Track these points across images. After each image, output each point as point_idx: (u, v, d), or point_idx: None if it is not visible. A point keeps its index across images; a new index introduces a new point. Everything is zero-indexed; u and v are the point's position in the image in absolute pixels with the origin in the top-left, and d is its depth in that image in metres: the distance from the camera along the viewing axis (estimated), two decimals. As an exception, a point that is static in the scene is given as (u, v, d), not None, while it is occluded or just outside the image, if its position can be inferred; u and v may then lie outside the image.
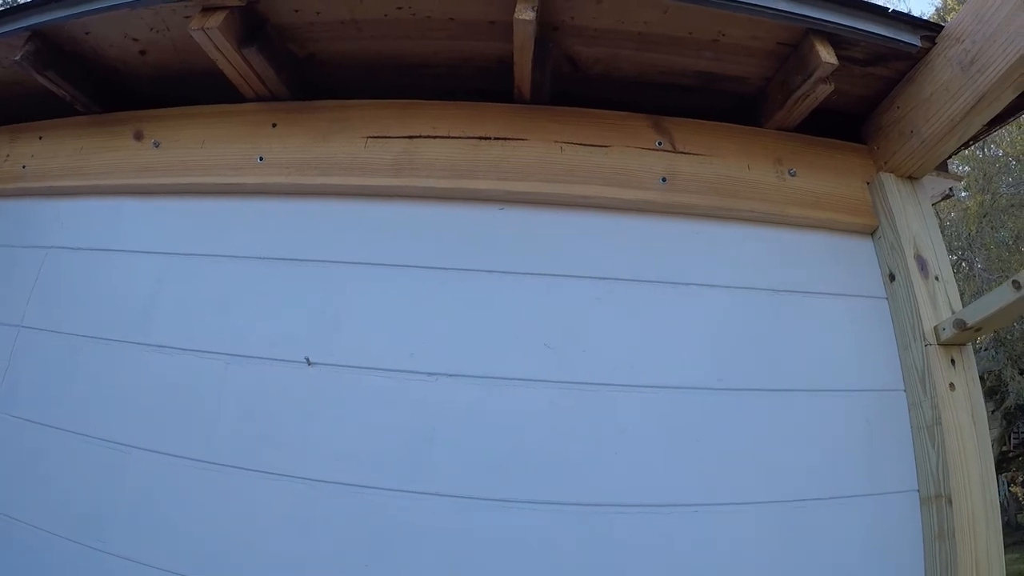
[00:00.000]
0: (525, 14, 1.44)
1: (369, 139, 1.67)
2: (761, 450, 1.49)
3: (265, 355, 1.56)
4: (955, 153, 2.04)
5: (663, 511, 1.38)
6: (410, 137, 1.65)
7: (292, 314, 1.59)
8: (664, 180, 1.62)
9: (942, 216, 15.03)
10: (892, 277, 1.70)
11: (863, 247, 1.74)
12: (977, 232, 14.18)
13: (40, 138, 2.03)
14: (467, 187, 1.60)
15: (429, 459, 1.44)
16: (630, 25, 1.58)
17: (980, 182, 14.45)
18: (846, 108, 1.81)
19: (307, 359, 1.53)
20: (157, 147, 1.82)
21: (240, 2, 1.60)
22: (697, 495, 1.41)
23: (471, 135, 1.64)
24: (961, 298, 1.73)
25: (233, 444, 1.52)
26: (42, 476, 1.64)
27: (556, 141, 1.64)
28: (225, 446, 1.52)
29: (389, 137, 1.66)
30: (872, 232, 1.75)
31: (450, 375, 1.49)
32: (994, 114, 1.61)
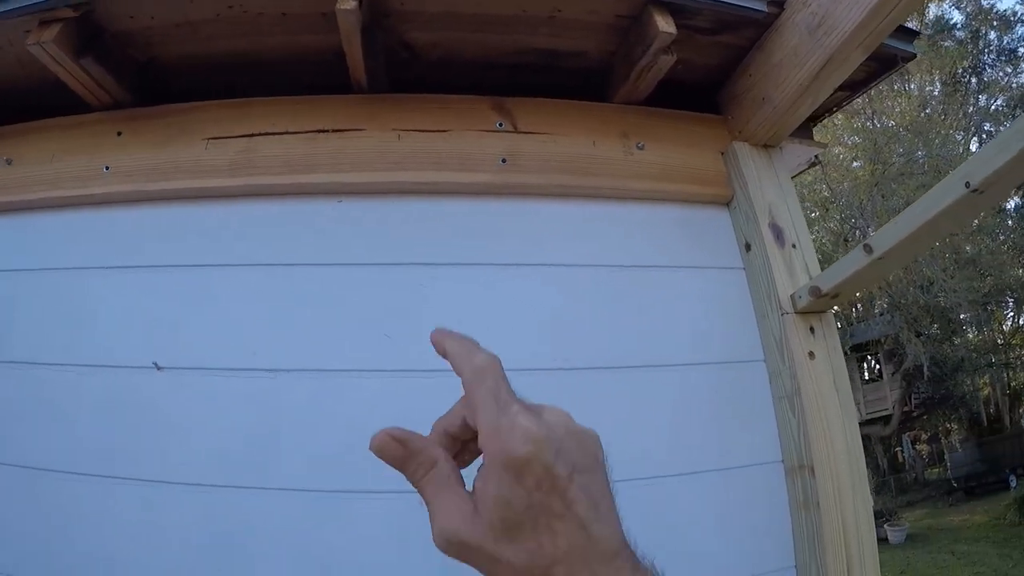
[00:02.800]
0: (347, 3, 1.44)
1: (209, 140, 1.67)
2: (611, 428, 1.46)
3: (117, 363, 1.57)
4: (818, 121, 2.07)
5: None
6: (249, 135, 1.66)
7: (139, 321, 1.59)
8: (504, 161, 1.63)
9: (833, 187, 15.27)
10: (748, 247, 1.71)
11: (719, 218, 1.75)
12: (869, 201, 14.43)
13: None
14: (304, 182, 1.61)
15: (275, 455, 1.45)
16: (462, 7, 1.59)
17: (871, 152, 14.72)
18: (699, 79, 1.83)
19: (155, 364, 1.54)
20: (9, 164, 1.82)
21: (74, 12, 1.60)
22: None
23: (308, 129, 1.65)
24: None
25: (91, 452, 1.52)
26: None
27: (394, 129, 1.65)
28: (79, 454, 1.52)
29: (228, 137, 1.67)
30: (728, 202, 1.76)
31: (291, 371, 1.50)
32: (845, 76, 1.62)
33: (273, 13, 1.62)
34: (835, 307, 1.74)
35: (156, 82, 1.79)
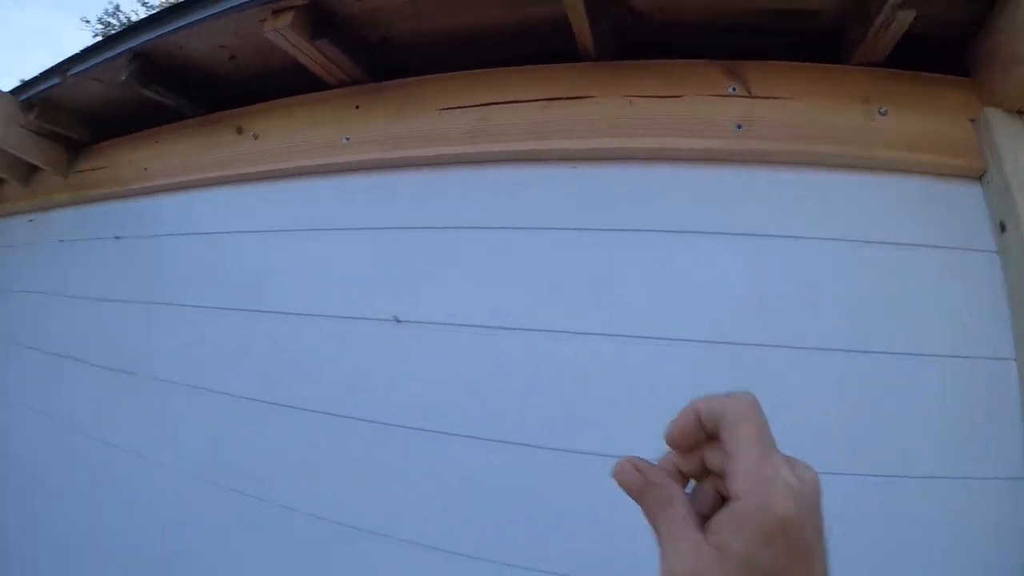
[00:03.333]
0: (566, -28, 1.47)
1: (443, 111, 1.76)
2: (846, 416, 1.40)
3: (360, 315, 1.73)
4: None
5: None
6: (483, 105, 1.72)
7: (382, 278, 1.74)
8: (739, 127, 1.59)
9: None
10: (1003, 227, 1.55)
11: (969, 193, 1.60)
12: None
13: (156, 142, 2.33)
14: (540, 148, 1.64)
15: (498, 409, 1.53)
16: (690, -31, 1.57)
17: None
18: (942, 36, 1.69)
19: (395, 317, 1.66)
20: (256, 139, 2.03)
21: (303, 0, 1.74)
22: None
23: (541, 97, 1.68)
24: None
25: (334, 394, 1.70)
26: (166, 423, 2.00)
27: (624, 95, 1.64)
28: (327, 396, 1.71)
29: (463, 107, 1.74)
30: (979, 176, 1.62)
31: (524, 329, 1.55)
32: None
33: (498, -15, 1.67)
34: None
35: (389, 59, 1.91)
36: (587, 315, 1.53)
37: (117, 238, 2.38)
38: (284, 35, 1.73)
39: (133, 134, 2.42)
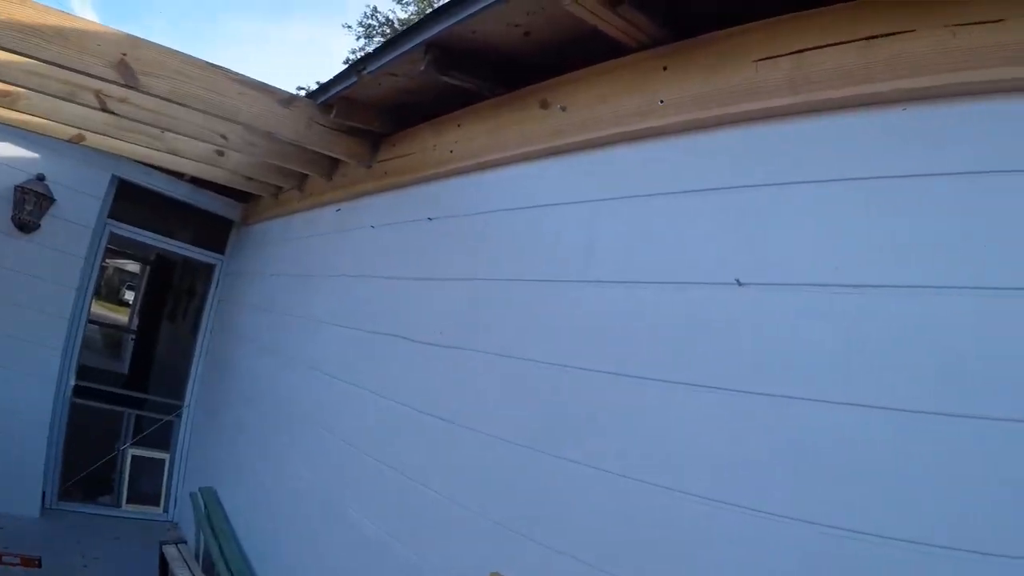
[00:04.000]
0: None
1: (759, 62, 1.81)
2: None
3: (695, 279, 1.84)
4: None
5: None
6: (799, 52, 1.75)
7: (718, 240, 1.82)
8: (1084, 42, 1.59)
9: None
10: None
11: None
12: None
13: (459, 126, 2.59)
14: (864, 92, 1.66)
15: (858, 370, 1.48)
16: None
17: None
18: None
19: (737, 280, 1.73)
20: (564, 111, 2.24)
21: None
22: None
23: (859, 37, 1.69)
24: None
25: (669, 361, 1.82)
26: (500, 396, 2.22)
27: (946, 26, 1.60)
28: (662, 363, 1.83)
29: (778, 56, 1.78)
30: None
31: (876, 286, 1.53)
32: None
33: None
34: None
35: (688, 15, 1.98)
36: (943, 268, 1.45)
37: (430, 219, 2.67)
38: (585, 5, 1.84)
39: (432, 120, 2.69)
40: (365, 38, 20.21)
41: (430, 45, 2.33)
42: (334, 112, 2.85)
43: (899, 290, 1.50)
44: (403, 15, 19.91)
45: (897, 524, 1.34)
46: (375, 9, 21.14)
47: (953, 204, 1.50)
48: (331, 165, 3.40)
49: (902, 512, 1.34)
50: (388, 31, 19.59)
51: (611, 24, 1.98)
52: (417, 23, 2.35)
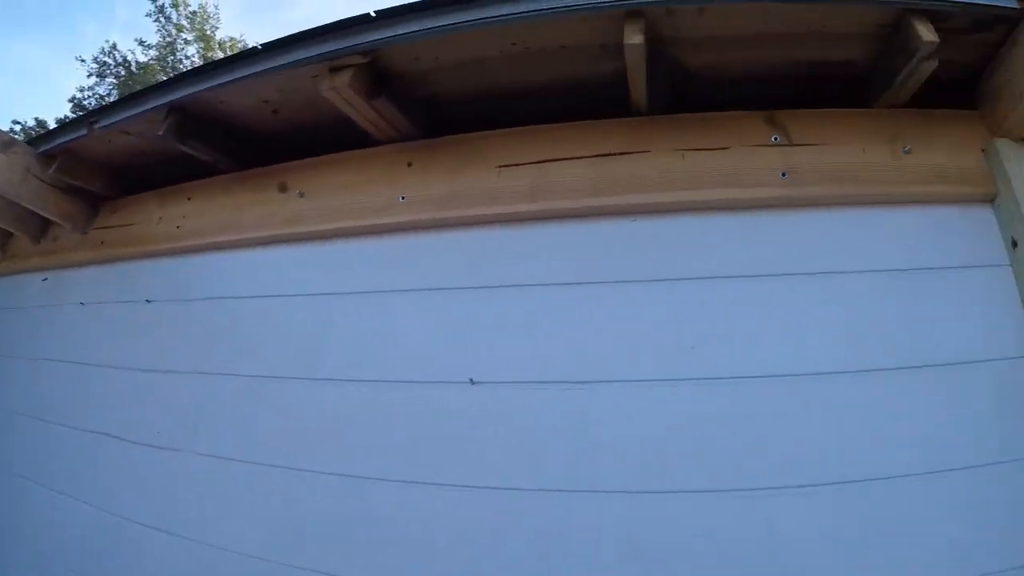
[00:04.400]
0: (634, 38, 1.58)
1: (501, 168, 1.85)
2: (907, 425, 1.59)
3: (429, 379, 1.78)
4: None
5: (822, 490, 1.52)
6: (540, 162, 1.82)
7: (450, 339, 1.80)
8: (784, 175, 1.74)
9: None
10: (1015, 244, 1.78)
11: (984, 216, 1.81)
12: None
13: (189, 199, 2.31)
14: (597, 204, 1.76)
15: (591, 461, 1.61)
16: (734, 30, 1.69)
17: None
18: (955, 75, 1.87)
19: (470, 379, 1.73)
20: (303, 197, 2.06)
21: (363, 59, 1.79)
22: (851, 472, 1.54)
23: (595, 154, 1.80)
24: None
25: (406, 461, 1.74)
26: (230, 504, 1.95)
27: (676, 149, 1.77)
28: (399, 463, 1.75)
29: (520, 164, 1.84)
30: (992, 200, 1.83)
31: (603, 382, 1.65)
32: None
33: (553, 47, 1.76)
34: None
35: (441, 115, 1.98)
36: (671, 364, 1.65)
37: (148, 301, 2.38)
38: (341, 93, 1.79)
39: (161, 189, 2.38)
40: (98, 76, 19.11)
41: (173, 108, 2.09)
42: (55, 165, 2.41)
43: (624, 384, 1.65)
44: (143, 58, 19.27)
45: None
46: (114, 46, 20.41)
47: (664, 307, 1.70)
48: (42, 226, 2.88)
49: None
50: (123, 72, 18.86)
51: (364, 116, 1.92)
52: (164, 82, 2.13)
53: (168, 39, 19.12)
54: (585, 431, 1.64)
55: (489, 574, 1.61)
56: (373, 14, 1.77)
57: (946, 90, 1.90)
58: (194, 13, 19.40)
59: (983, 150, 1.85)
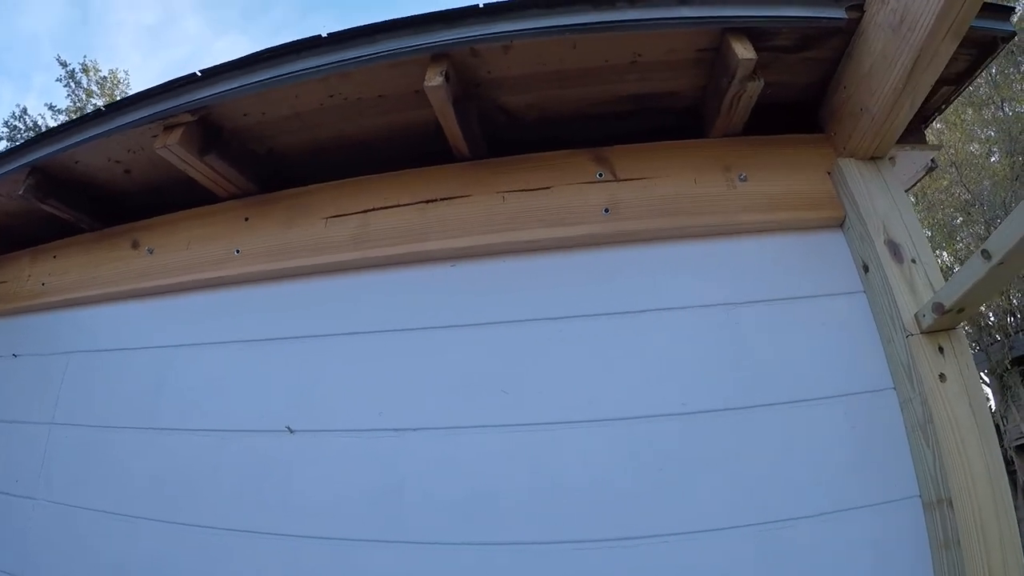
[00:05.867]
0: (434, 80, 1.61)
1: (328, 219, 1.88)
2: (736, 471, 1.53)
3: (254, 427, 1.80)
4: (929, 121, 2.03)
5: (631, 543, 1.47)
6: (364, 212, 1.85)
7: (274, 388, 1.82)
8: (607, 211, 1.73)
9: (971, 189, 14.01)
10: (866, 268, 1.71)
11: (833, 241, 1.76)
12: (1012, 197, 13.11)
13: (54, 257, 2.38)
14: (419, 250, 1.78)
15: (400, 510, 1.61)
16: (546, 66, 1.71)
17: (1007, 143, 13.40)
18: (796, 98, 1.86)
19: (288, 428, 1.75)
20: (151, 253, 2.11)
21: (193, 116, 1.84)
22: (668, 524, 1.47)
23: (419, 200, 1.83)
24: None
25: (230, 509, 1.75)
26: (73, 551, 1.95)
27: (498, 191, 1.78)
28: (224, 511, 1.76)
29: (346, 215, 1.87)
30: (840, 223, 1.78)
31: (415, 429, 1.66)
32: (940, 70, 1.55)
33: (370, 96, 1.80)
34: (963, 322, 1.70)
35: (276, 169, 2.03)
36: (485, 410, 1.65)
37: (15, 355, 2.44)
38: (174, 151, 1.84)
39: (33, 248, 2.47)
40: (8, 140, 19.17)
41: (33, 169, 2.17)
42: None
43: (436, 431, 1.65)
44: (52, 123, 19.28)
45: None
46: (24, 111, 20.71)
47: (478, 352, 1.72)
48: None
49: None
50: (32, 135, 19.44)
51: (200, 172, 1.96)
52: (21, 144, 2.21)
53: (78, 104, 19.33)
54: (394, 479, 1.64)
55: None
56: (199, 73, 1.82)
57: (791, 114, 1.88)
58: (104, 78, 19.69)
59: (829, 172, 1.81)
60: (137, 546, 1.83)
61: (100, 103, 19.62)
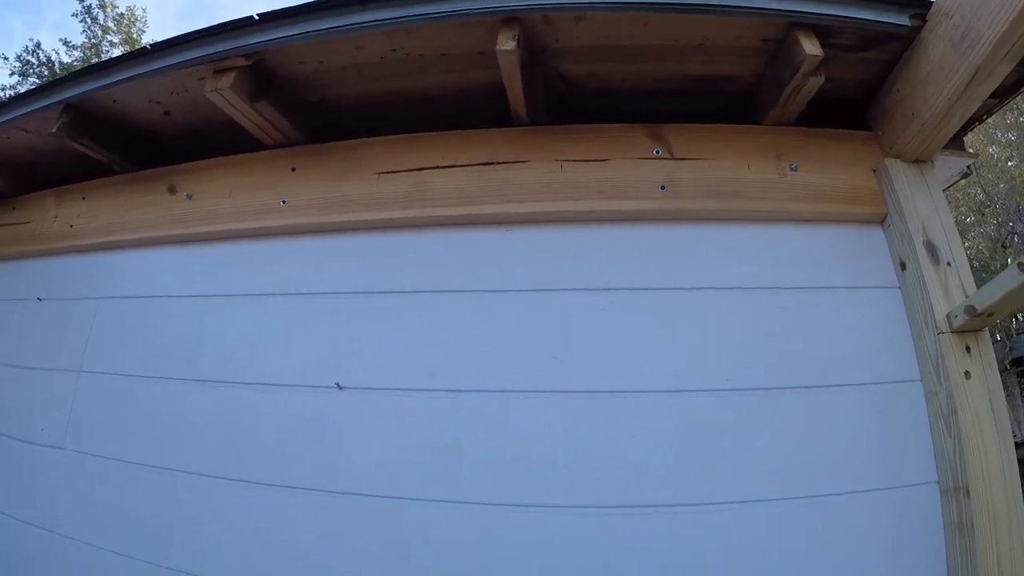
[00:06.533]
0: (507, 44, 1.61)
1: (380, 175, 1.88)
2: (776, 447, 1.60)
3: (301, 382, 1.81)
4: (968, 129, 2.12)
5: (671, 511, 1.54)
6: (419, 169, 1.86)
7: (322, 343, 1.83)
8: (663, 188, 1.77)
9: (988, 190, 14.39)
10: (903, 266, 1.79)
11: (873, 236, 1.83)
12: None
13: (83, 198, 2.34)
14: (476, 212, 1.80)
15: (455, 470, 1.64)
16: (614, 39, 1.73)
17: None
18: (848, 94, 1.91)
19: (337, 384, 1.76)
20: (190, 199, 2.09)
21: (247, 61, 1.83)
22: (706, 494, 1.55)
23: (476, 162, 1.83)
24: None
25: (274, 464, 1.76)
26: (106, 503, 1.95)
27: (556, 160, 1.81)
28: (267, 466, 1.77)
29: (399, 171, 1.87)
30: (881, 221, 1.85)
31: (469, 391, 1.69)
32: (993, 87, 1.63)
33: (433, 54, 1.80)
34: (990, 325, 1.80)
35: (326, 120, 2.01)
36: (531, 373, 1.68)
37: (40, 299, 2.37)
38: (224, 95, 1.82)
39: (59, 188, 2.42)
40: (20, 75, 18.97)
41: (67, 106, 2.13)
42: (-51, 161, 2.44)
43: (490, 394, 1.69)
44: (67, 59, 19.15)
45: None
46: (38, 45, 20.35)
47: (543, 315, 1.75)
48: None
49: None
50: (46, 72, 18.80)
51: (249, 119, 1.94)
52: (57, 80, 2.15)
53: (94, 40, 19.07)
54: (449, 439, 1.67)
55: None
56: (256, 16, 1.81)
57: (842, 110, 1.94)
58: (121, 15, 19.43)
59: (875, 170, 1.88)
60: (176, 498, 1.84)
61: (116, 39, 19.47)
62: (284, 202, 1.95)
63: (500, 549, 1.57)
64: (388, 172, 1.89)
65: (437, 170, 1.86)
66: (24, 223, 2.49)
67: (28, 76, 18.91)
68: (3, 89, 19.21)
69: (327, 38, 1.74)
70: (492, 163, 1.83)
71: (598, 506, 1.55)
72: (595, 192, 1.78)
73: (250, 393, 1.85)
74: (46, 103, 2.11)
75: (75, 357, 2.19)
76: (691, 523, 1.53)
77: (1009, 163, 14.62)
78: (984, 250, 14.54)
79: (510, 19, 1.65)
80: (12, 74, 19.61)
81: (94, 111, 2.14)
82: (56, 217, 2.39)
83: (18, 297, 2.43)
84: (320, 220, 1.90)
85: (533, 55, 1.76)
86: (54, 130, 2.11)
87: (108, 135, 2.20)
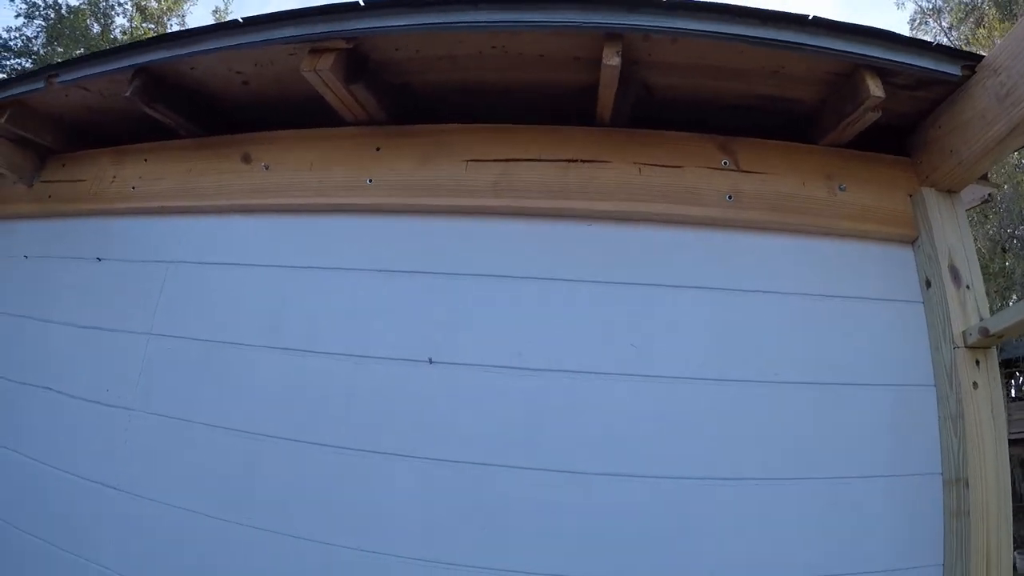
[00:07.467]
0: (612, 60, 1.76)
1: (469, 162, 2.01)
2: (810, 434, 1.84)
3: (392, 355, 1.95)
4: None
5: (734, 483, 1.79)
6: (507, 160, 1.99)
7: (413, 319, 1.97)
8: (730, 197, 1.96)
9: (994, 193, 14.90)
10: (928, 284, 2.02)
11: (904, 255, 2.05)
12: None
13: (146, 160, 2.37)
14: (562, 207, 1.95)
15: (539, 440, 1.82)
16: (705, 61, 1.90)
17: None
18: (892, 122, 2.13)
19: (430, 359, 1.91)
20: (267, 169, 2.17)
21: (347, 44, 1.92)
22: (755, 470, 1.81)
23: (560, 158, 1.98)
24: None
25: (364, 431, 1.90)
26: (182, 463, 2.03)
27: (635, 163, 1.97)
28: (357, 433, 1.91)
29: (486, 160, 2.00)
30: (912, 242, 2.10)
31: (552, 371, 1.86)
32: None
33: (532, 55, 1.94)
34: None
35: (409, 102, 2.12)
36: (610, 358, 1.86)
37: (100, 260, 2.39)
38: (322, 76, 1.90)
39: (115, 147, 2.43)
40: (26, 17, 18.49)
41: (140, 70, 2.16)
42: (6, 116, 2.43)
43: (572, 375, 1.87)
44: (74, 2, 18.87)
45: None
46: None
47: (621, 307, 1.93)
48: (-15, 174, 2.86)
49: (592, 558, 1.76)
50: (52, 16, 18.50)
51: (339, 98, 2.03)
52: (135, 43, 2.16)
53: None
54: (534, 413, 1.84)
55: (445, 540, 1.80)
56: (361, 3, 1.88)
57: (882, 133, 2.16)
58: None
59: (911, 195, 2.11)
60: (260, 461, 1.94)
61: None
62: (370, 181, 2.05)
63: (576, 516, 1.76)
64: (477, 160, 2.01)
65: (523, 162, 1.99)
66: (78, 180, 2.49)
67: (34, 19, 18.48)
68: (8, 31, 18.61)
69: (439, 31, 1.85)
70: (576, 160, 1.98)
71: (677, 477, 1.77)
72: (669, 197, 1.95)
73: (342, 363, 1.97)
74: (119, 65, 2.14)
75: (144, 319, 2.24)
76: (743, 495, 1.77)
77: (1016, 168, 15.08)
78: (984, 251, 15.12)
79: (612, 35, 1.79)
80: (18, 15, 18.69)
81: (168, 76, 2.19)
82: (115, 178, 2.40)
83: (76, 255, 2.43)
84: (409, 202, 2.02)
85: (625, 66, 1.90)
86: (127, 93, 2.14)
87: (179, 100, 2.25)
